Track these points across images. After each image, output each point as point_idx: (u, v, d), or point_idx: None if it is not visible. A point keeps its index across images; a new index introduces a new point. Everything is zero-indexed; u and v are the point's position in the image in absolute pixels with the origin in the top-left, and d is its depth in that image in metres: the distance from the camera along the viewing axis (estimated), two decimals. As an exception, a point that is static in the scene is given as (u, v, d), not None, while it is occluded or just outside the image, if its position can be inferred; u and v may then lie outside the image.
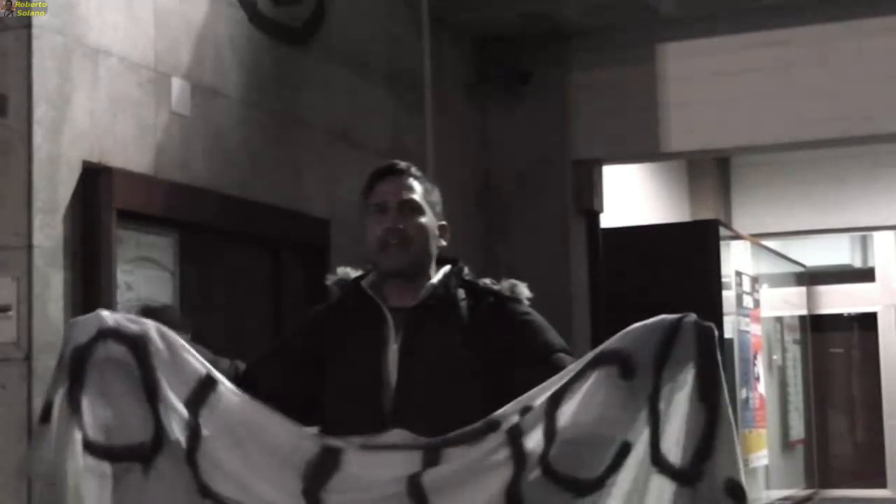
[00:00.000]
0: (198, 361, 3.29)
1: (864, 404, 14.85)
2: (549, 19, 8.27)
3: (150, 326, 3.31)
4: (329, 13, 6.47)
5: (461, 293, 3.38)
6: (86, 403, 3.23)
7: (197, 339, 3.54)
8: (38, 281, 4.33)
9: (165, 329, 3.33)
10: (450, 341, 3.27)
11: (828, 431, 14.62)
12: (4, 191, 4.37)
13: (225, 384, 3.27)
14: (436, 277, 3.37)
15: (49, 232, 4.40)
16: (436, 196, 3.47)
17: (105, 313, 3.31)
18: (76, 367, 3.24)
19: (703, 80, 8.33)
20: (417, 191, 3.39)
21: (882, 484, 14.24)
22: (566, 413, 3.06)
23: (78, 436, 3.20)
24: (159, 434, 3.24)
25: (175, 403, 3.24)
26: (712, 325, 3.07)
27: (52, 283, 4.39)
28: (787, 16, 8.15)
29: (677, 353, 3.01)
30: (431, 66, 7.56)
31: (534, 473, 3.04)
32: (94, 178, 4.61)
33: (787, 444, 12.57)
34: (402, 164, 3.45)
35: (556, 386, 3.09)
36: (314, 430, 3.27)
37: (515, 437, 3.07)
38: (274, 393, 3.33)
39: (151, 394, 3.24)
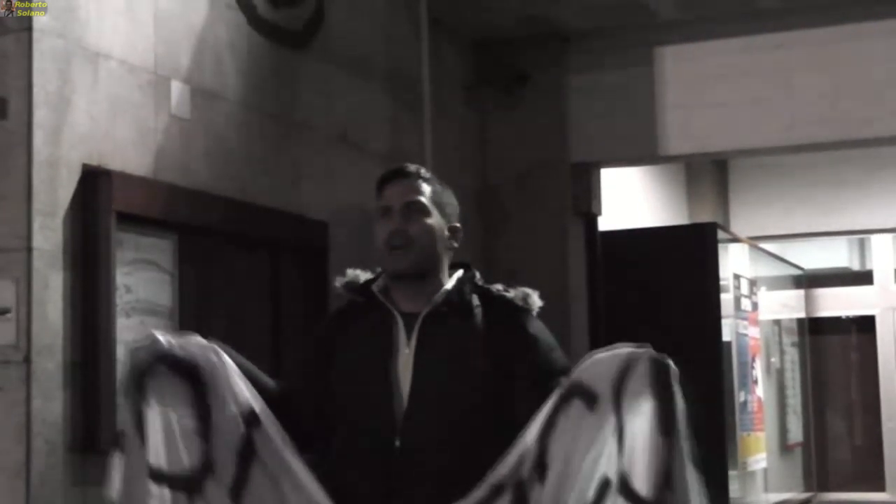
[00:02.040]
0: (248, 392, 3.31)
1: (863, 407, 14.85)
2: (548, 22, 8.28)
3: (207, 349, 3.32)
4: (328, 16, 6.49)
5: (475, 300, 3.37)
6: (150, 430, 3.24)
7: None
8: (37, 283, 4.33)
9: (220, 352, 3.33)
10: (465, 348, 3.26)
11: (826, 434, 14.62)
12: (4, 193, 4.37)
13: (269, 426, 3.30)
14: (450, 283, 3.36)
15: (49, 234, 4.40)
16: (448, 198, 3.47)
17: (160, 336, 3.29)
18: (139, 395, 3.24)
19: (702, 83, 8.34)
20: (424, 192, 3.39)
21: (880, 487, 14.24)
22: (553, 450, 3.11)
23: (144, 463, 3.21)
24: (208, 463, 3.25)
25: (226, 435, 3.26)
26: (667, 359, 3.06)
27: (51, 286, 4.40)
28: (786, 19, 8.16)
29: (633, 386, 3.03)
30: (430, 68, 7.56)
31: None
32: (93, 180, 4.62)
33: (785, 448, 12.58)
34: (411, 167, 3.45)
35: (539, 421, 3.13)
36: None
37: (517, 485, 3.12)
38: (317, 415, 3.41)
39: (204, 422, 3.26)
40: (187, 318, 5.20)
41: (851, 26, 8.03)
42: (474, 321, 3.33)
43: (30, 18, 4.41)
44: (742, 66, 8.23)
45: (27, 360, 4.28)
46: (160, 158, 5.09)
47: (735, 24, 8.28)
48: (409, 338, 3.30)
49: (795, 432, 13.01)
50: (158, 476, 3.22)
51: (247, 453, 3.28)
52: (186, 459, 3.24)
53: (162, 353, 3.26)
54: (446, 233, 3.41)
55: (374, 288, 3.40)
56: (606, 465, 3.03)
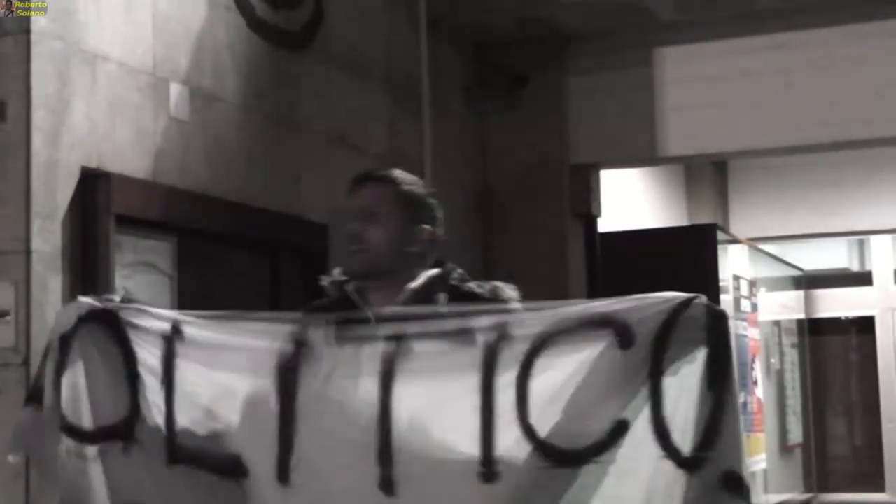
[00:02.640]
0: (162, 320, 3.40)
1: (863, 408, 14.83)
2: (547, 23, 8.27)
3: (119, 301, 3.47)
4: (327, 18, 6.48)
5: (442, 298, 3.37)
6: (66, 389, 3.36)
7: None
8: (36, 286, 4.33)
9: (131, 300, 3.51)
10: None
11: (826, 435, 14.61)
12: (3, 195, 4.37)
13: (191, 324, 3.39)
14: (416, 282, 3.37)
15: (48, 237, 4.40)
16: (418, 200, 3.46)
17: (83, 299, 3.46)
18: (62, 355, 3.38)
19: (701, 84, 8.33)
20: (384, 197, 3.41)
21: (881, 487, 14.22)
22: (549, 365, 3.02)
23: (58, 420, 3.35)
24: (136, 406, 3.34)
25: (152, 366, 3.35)
26: (724, 310, 3.01)
27: (50, 288, 4.39)
28: (785, 20, 8.15)
29: (684, 334, 2.94)
30: (429, 70, 7.56)
31: (510, 430, 3.00)
32: (92, 182, 4.62)
33: (785, 448, 12.56)
34: (374, 172, 3.51)
35: (542, 323, 3.05)
36: (284, 326, 3.33)
37: (489, 363, 3.04)
38: None
39: (131, 367, 3.36)
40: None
41: (851, 27, 8.02)
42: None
43: (28, 21, 4.41)
44: (741, 67, 8.23)
45: (26, 362, 4.28)
46: (159, 160, 5.09)
47: (734, 25, 8.27)
48: None
49: (795, 433, 12.99)
50: (76, 433, 3.36)
51: (172, 368, 3.36)
52: (115, 409, 3.35)
53: (83, 312, 3.41)
54: (409, 235, 3.41)
55: (350, 287, 3.42)
56: (628, 410, 2.96)
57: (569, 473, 2.99)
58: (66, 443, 3.38)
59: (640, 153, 8.73)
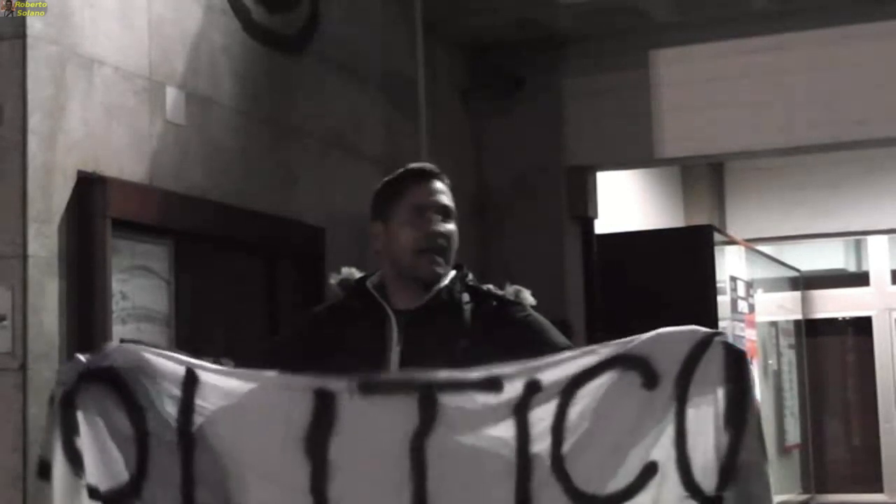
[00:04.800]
0: (174, 362, 3.23)
1: (860, 409, 14.83)
2: (543, 26, 8.27)
3: (115, 350, 3.27)
4: (323, 21, 6.48)
5: (465, 297, 3.36)
6: (84, 450, 3.18)
7: (193, 348, 3.54)
8: (33, 290, 4.32)
9: (129, 345, 3.29)
10: (452, 345, 3.23)
11: (824, 436, 14.61)
12: (-1, 200, 4.37)
13: (206, 373, 3.20)
14: (443, 281, 3.35)
15: (44, 241, 4.39)
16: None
17: (80, 357, 3.25)
18: (68, 417, 3.18)
19: (698, 85, 8.34)
20: (449, 197, 3.40)
21: (878, 488, 14.22)
22: (581, 408, 2.98)
23: (83, 484, 3.16)
24: (144, 466, 3.19)
25: (163, 413, 3.19)
26: (744, 349, 3.00)
27: (47, 293, 4.38)
28: (781, 21, 8.16)
29: (706, 372, 2.93)
30: (426, 72, 7.56)
31: (541, 467, 2.97)
32: (88, 187, 4.61)
33: (783, 449, 12.57)
34: (435, 168, 3.44)
35: (567, 370, 3.01)
36: (303, 377, 3.19)
37: (522, 415, 2.99)
38: None
39: (138, 418, 3.19)
40: (183, 324, 5.20)
41: (846, 28, 8.03)
42: (463, 318, 3.32)
43: (24, 25, 4.40)
44: (737, 68, 8.24)
45: (23, 367, 4.27)
46: (155, 164, 5.09)
47: (730, 26, 8.28)
48: (400, 335, 3.29)
49: (793, 434, 13.01)
50: (95, 495, 3.18)
51: (190, 419, 3.19)
52: (122, 471, 3.19)
53: (83, 370, 3.21)
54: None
55: (369, 285, 3.39)
56: (656, 450, 2.94)
57: None
58: None
59: (636, 155, 8.73)
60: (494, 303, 3.36)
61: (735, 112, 8.27)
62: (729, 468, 2.89)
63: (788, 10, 8.10)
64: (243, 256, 5.94)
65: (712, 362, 2.94)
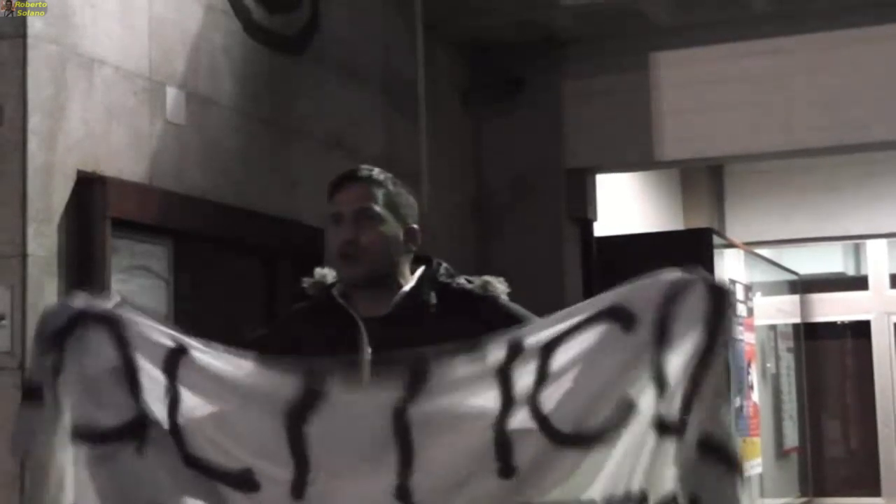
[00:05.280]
0: (166, 334, 3.25)
1: (858, 412, 14.84)
2: (543, 27, 8.28)
3: (121, 302, 3.30)
4: (323, 22, 6.48)
5: (433, 297, 3.35)
6: (70, 389, 3.20)
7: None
8: (32, 290, 4.32)
9: (131, 307, 3.32)
10: (419, 350, 3.24)
11: (822, 439, 14.62)
12: (-1, 199, 4.37)
13: (196, 348, 3.21)
14: (408, 285, 3.35)
15: (43, 241, 4.40)
16: (404, 199, 3.41)
17: (75, 298, 3.28)
18: (57, 353, 3.21)
19: (697, 88, 8.34)
20: (376, 198, 3.35)
21: (876, 492, 14.23)
22: (561, 360, 2.99)
23: (66, 422, 3.18)
24: (144, 409, 3.23)
25: (154, 376, 3.21)
26: (726, 286, 3.02)
27: (46, 292, 4.39)
28: (781, 24, 8.17)
29: (685, 313, 2.95)
30: (426, 73, 7.56)
31: (521, 415, 2.97)
32: (88, 186, 4.61)
33: (781, 453, 12.57)
34: (363, 171, 3.41)
35: (548, 330, 3.02)
36: (297, 372, 3.17)
37: (505, 375, 2.99)
38: None
39: (131, 371, 3.21)
40: (182, 324, 5.18)
41: (847, 32, 8.04)
42: (431, 321, 3.31)
43: (24, 25, 4.41)
44: (737, 71, 8.24)
45: (22, 366, 4.27)
46: (155, 164, 5.09)
47: (731, 29, 8.28)
48: (370, 343, 3.29)
49: (791, 437, 13.01)
50: (83, 433, 3.18)
51: (175, 384, 3.19)
52: (120, 411, 3.20)
53: (78, 310, 3.24)
54: (401, 237, 3.38)
55: (335, 292, 3.38)
56: (632, 390, 2.95)
57: (577, 455, 2.97)
58: (78, 445, 3.27)
59: (636, 157, 8.73)
60: (460, 299, 3.34)
61: (735, 115, 8.28)
62: (692, 393, 2.91)
63: (788, 13, 8.11)
64: (242, 256, 5.95)
65: (693, 301, 2.96)
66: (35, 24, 4.44)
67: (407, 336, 3.24)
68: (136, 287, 4.94)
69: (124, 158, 4.90)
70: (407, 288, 3.33)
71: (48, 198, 4.45)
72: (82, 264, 4.55)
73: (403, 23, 7.46)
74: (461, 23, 8.15)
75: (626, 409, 2.95)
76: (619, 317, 3.00)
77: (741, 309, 11.03)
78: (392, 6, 7.35)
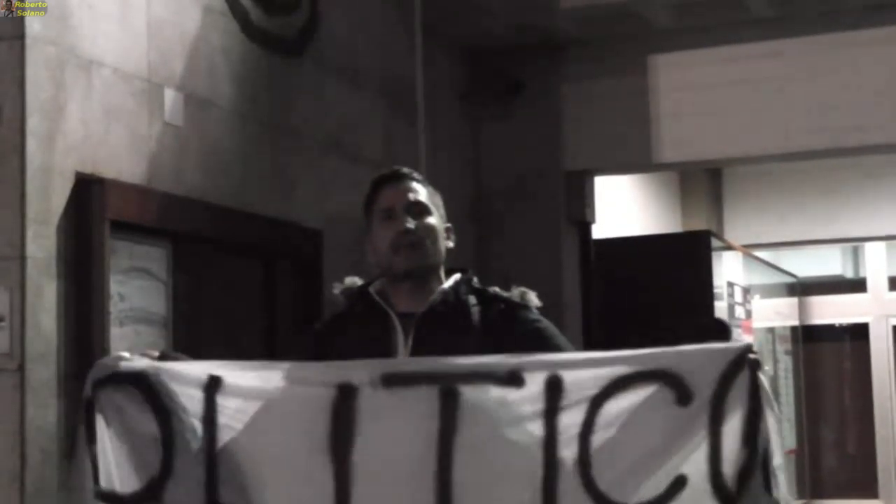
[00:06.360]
0: (197, 369, 3.28)
1: (856, 415, 14.85)
2: (542, 30, 8.29)
3: (142, 359, 3.35)
4: (322, 24, 6.48)
5: (472, 299, 3.37)
6: (100, 456, 3.25)
7: (190, 350, 3.56)
8: (31, 291, 4.32)
9: (155, 359, 3.36)
10: (461, 347, 3.24)
11: (820, 442, 14.63)
12: (-2, 201, 4.37)
13: (227, 371, 3.25)
14: (447, 283, 3.37)
15: (42, 242, 4.39)
16: (439, 199, 3.50)
17: (103, 361, 3.35)
18: (89, 418, 3.27)
19: (696, 91, 8.35)
20: (422, 192, 3.42)
21: (874, 494, 14.24)
22: (610, 421, 2.99)
23: (90, 486, 3.23)
24: (168, 461, 3.23)
25: (188, 417, 3.24)
26: (758, 357, 3.02)
27: (45, 294, 4.39)
28: (779, 28, 8.18)
29: (737, 390, 2.96)
30: (424, 76, 7.56)
31: (571, 483, 2.98)
32: (87, 188, 4.61)
33: (779, 455, 12.56)
34: (405, 169, 3.49)
35: (592, 375, 3.02)
36: (324, 366, 3.23)
37: (549, 417, 3.00)
38: None
39: (163, 419, 3.24)
40: (181, 326, 5.20)
41: (845, 35, 8.05)
42: (471, 320, 3.33)
43: (23, 26, 4.40)
44: (736, 74, 8.25)
45: (21, 368, 4.27)
46: (154, 166, 5.09)
47: (729, 32, 8.29)
48: (406, 339, 3.30)
49: (789, 440, 13.01)
50: (109, 498, 3.24)
51: (214, 420, 3.23)
52: (143, 473, 3.23)
53: (103, 375, 3.29)
54: (444, 232, 3.43)
55: (371, 290, 3.40)
56: (687, 465, 2.96)
57: None
58: None
59: (634, 160, 8.74)
60: (502, 305, 3.37)
61: (733, 118, 8.29)
62: (745, 476, 2.94)
63: (787, 16, 8.12)
64: (241, 258, 5.94)
65: (743, 378, 2.96)
66: (34, 25, 4.44)
67: (447, 332, 3.27)
68: (134, 288, 4.94)
69: (123, 160, 4.89)
70: (446, 286, 3.35)
71: (47, 199, 4.44)
72: (81, 266, 4.55)
73: (403, 25, 7.46)
74: (460, 25, 8.16)
75: (679, 486, 2.96)
76: (673, 385, 2.99)
77: (740, 311, 11.03)
78: (391, 8, 7.35)
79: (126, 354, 3.40)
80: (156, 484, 3.23)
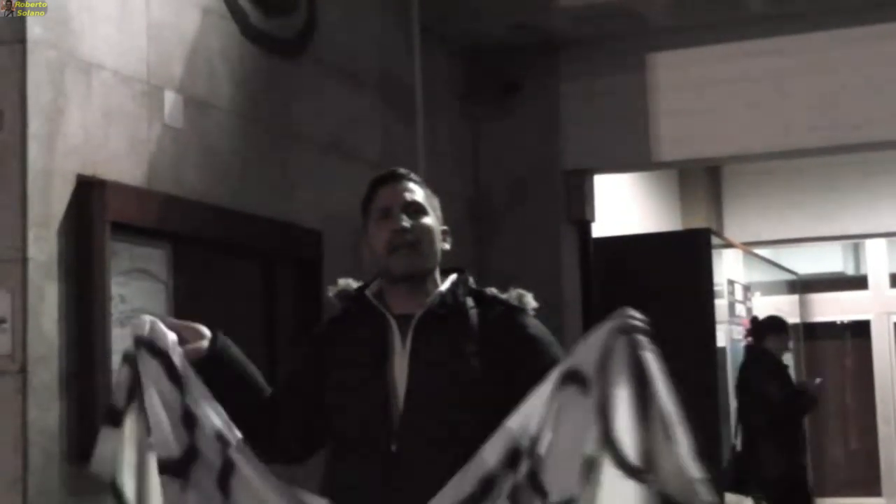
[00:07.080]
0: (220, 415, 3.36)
1: (858, 412, 14.86)
2: (540, 30, 8.29)
3: (174, 344, 3.45)
4: (320, 25, 6.50)
5: (469, 301, 3.38)
6: (146, 413, 3.31)
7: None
8: (32, 294, 4.33)
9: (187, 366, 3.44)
10: (460, 349, 3.25)
11: (822, 439, 14.63)
12: (-1, 204, 4.38)
13: (242, 457, 3.30)
14: (444, 285, 3.37)
15: (43, 245, 4.41)
16: (436, 202, 3.50)
17: (143, 320, 3.46)
18: (134, 375, 3.34)
19: (695, 89, 8.35)
20: (419, 193, 3.42)
21: (876, 491, 14.26)
22: (546, 443, 3.05)
23: (151, 442, 3.30)
24: (193, 448, 3.26)
25: (208, 426, 3.28)
26: (639, 335, 3.05)
27: (46, 296, 4.40)
28: (778, 25, 8.18)
29: (615, 365, 3.00)
30: (422, 76, 7.57)
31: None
32: (87, 190, 4.62)
33: (780, 453, 12.55)
34: (402, 170, 3.49)
35: (534, 417, 3.06)
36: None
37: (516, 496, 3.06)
38: (305, 429, 3.43)
39: (185, 410, 3.30)
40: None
41: (844, 31, 8.05)
42: (469, 322, 3.33)
43: (24, 30, 4.42)
44: (735, 71, 8.25)
45: (23, 370, 4.28)
46: (154, 168, 5.10)
47: (727, 30, 8.30)
48: (403, 341, 3.31)
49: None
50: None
51: (228, 449, 3.29)
52: (173, 445, 3.28)
53: (140, 336, 3.40)
54: (440, 234, 3.44)
55: (368, 293, 3.41)
56: (587, 444, 2.99)
57: None
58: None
59: (633, 158, 8.74)
60: (501, 308, 3.38)
61: (733, 115, 8.29)
62: (648, 453, 2.94)
63: (786, 13, 8.12)
64: (241, 259, 5.96)
65: (618, 354, 3.01)
66: (34, 29, 4.45)
67: (445, 335, 3.28)
68: (135, 290, 4.95)
69: (123, 162, 4.91)
70: (443, 287, 3.36)
71: (48, 202, 4.46)
72: (82, 268, 4.56)
73: (401, 26, 7.47)
74: (458, 25, 8.17)
75: (589, 468, 2.98)
76: (577, 381, 3.05)
77: (740, 309, 11.04)
78: (389, 9, 7.37)
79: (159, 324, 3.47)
80: (186, 460, 3.28)
